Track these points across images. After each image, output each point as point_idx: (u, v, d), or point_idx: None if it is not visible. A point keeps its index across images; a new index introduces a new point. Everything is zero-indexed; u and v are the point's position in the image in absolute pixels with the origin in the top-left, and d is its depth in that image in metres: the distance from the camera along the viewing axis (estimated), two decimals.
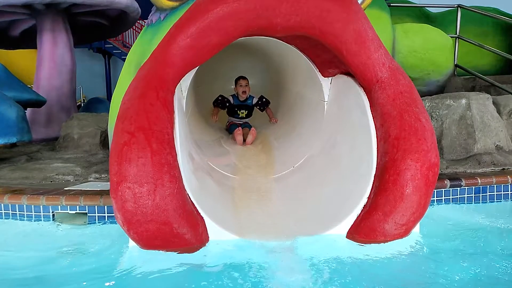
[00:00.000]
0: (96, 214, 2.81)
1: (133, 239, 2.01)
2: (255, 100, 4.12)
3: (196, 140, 3.16)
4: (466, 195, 3.22)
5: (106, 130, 4.61)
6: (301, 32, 2.35)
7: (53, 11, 7.07)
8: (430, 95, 4.17)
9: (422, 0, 6.99)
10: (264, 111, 4.20)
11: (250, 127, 3.96)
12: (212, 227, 2.18)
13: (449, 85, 5.76)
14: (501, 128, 3.89)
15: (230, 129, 4.11)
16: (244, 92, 4.02)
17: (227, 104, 4.09)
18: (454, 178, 3.19)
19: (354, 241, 2.22)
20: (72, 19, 7.56)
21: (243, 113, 4.13)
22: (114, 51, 15.81)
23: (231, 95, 4.11)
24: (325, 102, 2.96)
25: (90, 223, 2.81)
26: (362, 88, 2.48)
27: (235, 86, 4.10)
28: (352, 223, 2.27)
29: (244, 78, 4.05)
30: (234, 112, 4.15)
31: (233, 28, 2.21)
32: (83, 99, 13.87)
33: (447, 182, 3.12)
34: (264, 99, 4.14)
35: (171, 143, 2.07)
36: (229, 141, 3.90)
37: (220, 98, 4.07)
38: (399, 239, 2.18)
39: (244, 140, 3.78)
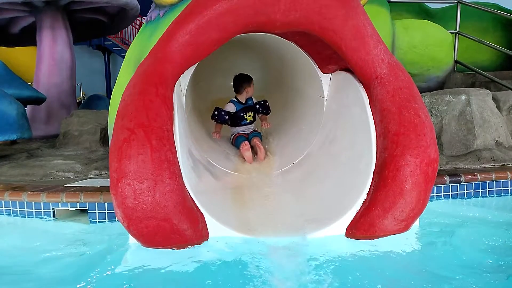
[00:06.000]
0: (96, 211, 2.81)
1: (133, 235, 2.02)
2: (254, 100, 3.66)
3: (196, 137, 3.16)
4: (465, 191, 3.22)
5: (106, 127, 4.62)
6: (300, 28, 2.34)
7: (53, 8, 7.07)
8: (430, 91, 4.17)
9: None
10: (258, 116, 3.71)
11: (259, 135, 3.54)
12: (212, 224, 2.19)
13: (448, 81, 5.76)
14: (501, 124, 3.89)
15: (236, 143, 3.49)
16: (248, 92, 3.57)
17: (227, 117, 3.49)
18: (454, 174, 3.19)
19: (354, 237, 2.22)
20: (72, 16, 7.56)
21: (250, 116, 3.58)
22: (113, 48, 15.81)
23: (230, 101, 3.56)
24: (325, 98, 2.96)
25: (90, 220, 2.82)
26: (361, 84, 2.48)
27: (240, 89, 3.55)
28: (351, 219, 2.27)
29: (251, 79, 3.56)
30: (240, 119, 3.55)
31: (232, 24, 2.21)
32: (83, 96, 13.87)
33: (447, 178, 3.13)
34: (267, 104, 3.65)
35: (171, 140, 2.07)
36: (237, 158, 3.40)
37: (217, 112, 3.46)
38: (398, 235, 2.19)
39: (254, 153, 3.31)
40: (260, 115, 3.67)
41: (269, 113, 3.67)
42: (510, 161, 3.60)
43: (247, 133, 3.57)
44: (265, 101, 3.66)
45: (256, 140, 3.37)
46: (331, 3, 2.23)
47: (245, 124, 3.60)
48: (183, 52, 2.21)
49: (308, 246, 2.16)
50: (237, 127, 3.61)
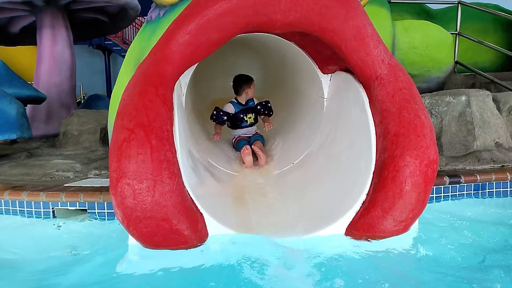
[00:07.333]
0: (96, 211, 2.82)
1: (133, 235, 2.02)
2: (256, 101, 3.53)
3: (196, 137, 3.16)
4: (465, 192, 3.22)
5: (106, 126, 4.62)
6: (300, 28, 2.34)
7: (53, 8, 7.07)
8: (430, 92, 4.17)
9: None
10: (260, 118, 3.59)
11: (261, 138, 3.43)
12: (211, 224, 2.19)
13: (449, 82, 5.76)
14: (501, 125, 3.89)
15: (238, 146, 3.37)
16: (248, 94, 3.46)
17: (226, 118, 3.39)
18: (454, 175, 3.19)
19: (353, 238, 2.22)
20: (72, 16, 7.56)
21: (250, 117, 3.47)
22: (113, 48, 15.82)
23: (230, 102, 3.47)
24: (325, 99, 2.96)
25: (89, 220, 2.82)
26: (361, 85, 2.47)
27: (239, 90, 3.45)
28: (351, 219, 2.27)
29: (251, 80, 3.46)
30: (240, 121, 3.45)
31: (233, 25, 2.21)
32: (83, 96, 13.88)
33: (446, 179, 3.13)
34: (269, 105, 3.51)
35: (171, 140, 2.07)
36: (237, 161, 3.30)
37: (215, 112, 3.37)
38: (398, 235, 2.19)
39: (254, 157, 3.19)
40: (262, 116, 3.57)
41: (271, 115, 3.56)
42: (510, 162, 3.60)
43: (249, 136, 3.48)
44: (267, 101, 3.53)
45: (256, 147, 3.22)
46: (331, 3, 2.23)
47: (246, 126, 3.50)
48: (183, 53, 2.20)
49: (308, 246, 2.16)
50: (237, 130, 3.51)
